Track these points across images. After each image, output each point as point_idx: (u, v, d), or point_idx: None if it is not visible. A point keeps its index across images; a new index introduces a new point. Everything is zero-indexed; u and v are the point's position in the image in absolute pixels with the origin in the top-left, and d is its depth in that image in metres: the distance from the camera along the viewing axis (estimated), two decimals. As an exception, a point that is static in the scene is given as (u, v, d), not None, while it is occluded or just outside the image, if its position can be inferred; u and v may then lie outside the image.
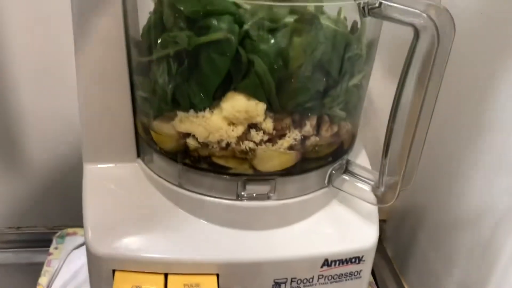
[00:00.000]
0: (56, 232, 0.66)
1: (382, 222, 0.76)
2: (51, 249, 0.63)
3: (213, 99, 0.40)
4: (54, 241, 0.65)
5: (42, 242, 0.68)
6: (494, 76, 0.51)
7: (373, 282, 0.64)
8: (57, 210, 0.71)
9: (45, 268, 0.60)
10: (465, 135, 0.56)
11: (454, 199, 0.58)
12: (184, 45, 0.38)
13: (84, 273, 0.58)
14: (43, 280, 0.58)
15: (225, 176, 0.43)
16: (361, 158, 0.50)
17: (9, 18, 0.59)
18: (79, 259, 0.58)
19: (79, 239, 0.60)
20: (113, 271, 0.41)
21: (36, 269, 0.61)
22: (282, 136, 0.41)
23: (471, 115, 0.55)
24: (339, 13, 0.41)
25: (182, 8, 0.38)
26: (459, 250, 0.56)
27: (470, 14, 0.53)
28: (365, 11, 0.37)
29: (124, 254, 0.41)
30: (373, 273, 0.65)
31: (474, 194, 0.54)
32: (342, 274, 0.45)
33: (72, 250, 0.58)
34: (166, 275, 0.41)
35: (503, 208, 0.50)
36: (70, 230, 0.66)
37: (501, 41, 0.50)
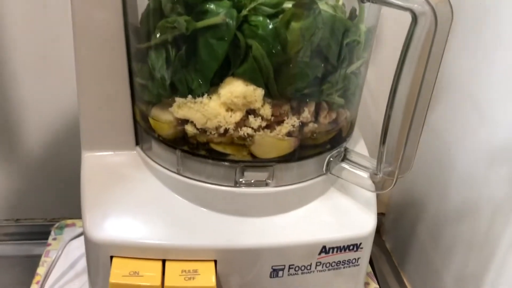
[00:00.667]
0: (54, 224, 0.66)
1: (381, 215, 0.76)
2: (50, 240, 0.63)
3: (211, 85, 0.40)
4: (52, 232, 0.64)
5: (41, 234, 0.68)
6: (492, 65, 0.51)
7: (372, 274, 0.64)
8: (56, 202, 0.71)
9: (43, 258, 0.60)
10: (462, 126, 0.56)
11: (452, 191, 0.58)
12: (182, 30, 0.38)
13: (83, 263, 0.58)
14: (41, 270, 0.58)
15: (223, 163, 0.43)
16: (359, 146, 0.50)
17: (7, 6, 0.59)
18: (77, 249, 0.58)
19: (78, 230, 0.60)
20: (111, 257, 0.41)
21: (35, 261, 0.61)
22: (280, 122, 0.41)
23: (468, 106, 0.55)
24: (337, -2, 0.41)
25: (180, -7, 0.38)
26: (457, 242, 0.56)
27: (470, 2, 0.53)
28: (364, -4, 0.38)
29: (122, 240, 0.41)
30: (372, 266, 0.65)
31: (472, 185, 0.54)
32: (340, 261, 0.45)
33: (70, 240, 0.58)
34: (163, 261, 0.41)
35: (501, 198, 0.50)
36: (69, 221, 0.66)
37: (499, 32, 0.50)
